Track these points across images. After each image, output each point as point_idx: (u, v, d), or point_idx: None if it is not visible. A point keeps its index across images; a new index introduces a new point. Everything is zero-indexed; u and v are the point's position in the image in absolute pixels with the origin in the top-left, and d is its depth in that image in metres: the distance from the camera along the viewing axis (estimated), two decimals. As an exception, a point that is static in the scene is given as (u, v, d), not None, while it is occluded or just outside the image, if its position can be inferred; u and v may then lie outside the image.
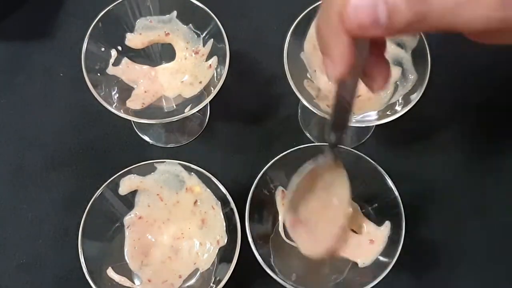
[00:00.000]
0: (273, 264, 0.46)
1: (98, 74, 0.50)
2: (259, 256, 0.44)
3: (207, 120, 0.60)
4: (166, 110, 0.53)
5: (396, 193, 0.47)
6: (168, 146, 0.59)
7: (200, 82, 0.52)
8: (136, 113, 0.50)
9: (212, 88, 0.50)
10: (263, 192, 0.48)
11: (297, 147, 0.48)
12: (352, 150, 0.48)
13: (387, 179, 0.47)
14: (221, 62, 0.50)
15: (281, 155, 0.48)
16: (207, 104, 0.49)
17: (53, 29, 0.63)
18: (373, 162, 0.47)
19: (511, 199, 0.57)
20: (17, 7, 0.64)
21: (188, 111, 0.48)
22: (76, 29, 0.63)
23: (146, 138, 0.59)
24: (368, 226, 0.49)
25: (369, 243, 0.48)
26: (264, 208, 0.48)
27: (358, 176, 0.45)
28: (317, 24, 0.36)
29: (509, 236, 0.55)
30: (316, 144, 0.51)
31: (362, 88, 0.55)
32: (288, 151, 0.48)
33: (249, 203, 0.46)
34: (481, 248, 0.55)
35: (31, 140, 0.58)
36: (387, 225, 0.47)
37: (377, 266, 0.46)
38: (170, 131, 0.60)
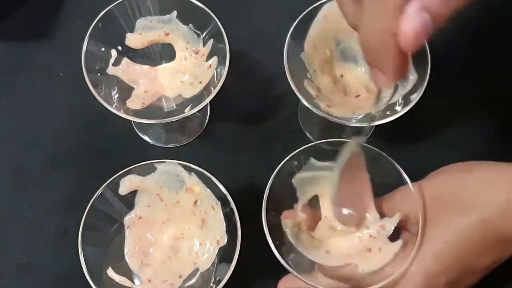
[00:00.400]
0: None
1: (98, 74, 0.50)
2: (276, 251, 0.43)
3: (207, 120, 0.60)
4: (166, 110, 0.53)
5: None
6: (168, 146, 0.59)
7: (200, 82, 0.52)
8: (136, 113, 0.50)
9: (212, 88, 0.50)
10: (280, 184, 0.47)
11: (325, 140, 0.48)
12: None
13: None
14: (221, 62, 0.50)
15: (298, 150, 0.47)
16: (207, 104, 0.49)
17: (53, 29, 0.63)
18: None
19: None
20: (17, 7, 0.64)
21: (188, 111, 0.48)
22: (76, 29, 0.63)
23: (146, 138, 0.59)
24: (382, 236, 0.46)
25: (376, 252, 0.45)
26: (281, 201, 0.47)
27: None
28: (364, 38, 0.36)
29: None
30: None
31: (362, 88, 0.55)
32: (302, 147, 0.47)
33: (267, 196, 0.45)
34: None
35: (31, 140, 0.58)
36: (399, 243, 0.45)
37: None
38: (170, 131, 0.60)
